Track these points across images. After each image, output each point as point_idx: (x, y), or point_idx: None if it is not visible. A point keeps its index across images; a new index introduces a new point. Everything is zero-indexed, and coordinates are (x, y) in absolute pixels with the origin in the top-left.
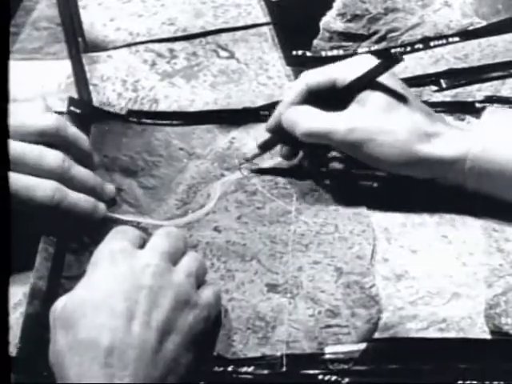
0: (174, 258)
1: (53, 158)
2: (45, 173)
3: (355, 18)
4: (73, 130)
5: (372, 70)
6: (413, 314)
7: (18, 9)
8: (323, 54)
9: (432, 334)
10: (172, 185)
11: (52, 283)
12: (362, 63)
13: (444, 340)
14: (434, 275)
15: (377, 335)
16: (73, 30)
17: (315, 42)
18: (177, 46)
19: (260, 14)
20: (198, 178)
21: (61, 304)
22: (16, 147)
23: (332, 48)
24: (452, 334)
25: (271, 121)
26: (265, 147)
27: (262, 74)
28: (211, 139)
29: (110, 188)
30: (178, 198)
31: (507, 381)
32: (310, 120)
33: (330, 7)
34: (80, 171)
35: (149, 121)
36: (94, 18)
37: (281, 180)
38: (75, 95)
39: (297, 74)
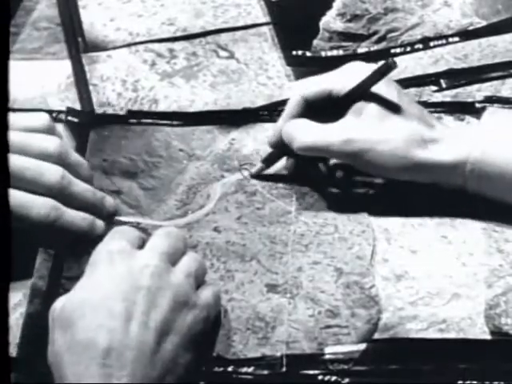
0: (174, 259)
1: (52, 174)
2: (43, 189)
3: (355, 18)
4: (74, 157)
5: (367, 79)
6: (413, 315)
7: (18, 9)
8: (323, 54)
9: (432, 334)
10: (172, 185)
11: (52, 283)
12: (355, 71)
13: (444, 340)
14: (434, 275)
15: (377, 336)
16: (73, 30)
17: (315, 42)
18: (176, 45)
19: (260, 14)
20: (197, 179)
21: (60, 304)
22: (15, 161)
23: (332, 48)
24: (452, 335)
25: (272, 135)
26: (268, 162)
27: (262, 74)
28: (211, 140)
29: (110, 202)
30: (177, 199)
31: (507, 381)
32: (305, 134)
33: (329, 7)
34: (79, 187)
35: (149, 121)
36: (93, 18)
37: (280, 180)
38: (75, 95)
39: (297, 74)
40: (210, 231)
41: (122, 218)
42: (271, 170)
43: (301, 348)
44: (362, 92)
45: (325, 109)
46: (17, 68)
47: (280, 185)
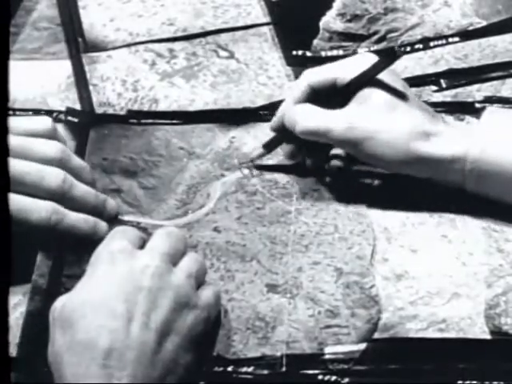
0: (174, 259)
1: (53, 178)
2: (44, 193)
3: (355, 18)
4: (76, 161)
5: (372, 67)
6: (413, 315)
7: (18, 9)
8: (323, 54)
9: (432, 334)
10: (172, 185)
11: (53, 281)
12: (362, 61)
13: (444, 340)
14: (434, 275)
15: (377, 335)
16: (73, 30)
17: (315, 42)
18: (176, 45)
19: (260, 14)
20: (197, 177)
21: (60, 304)
22: (16, 165)
23: (332, 48)
24: (452, 335)
25: (275, 120)
26: (269, 147)
27: (262, 74)
28: (211, 138)
29: (111, 204)
30: (177, 198)
31: (507, 381)
32: (308, 118)
33: (329, 7)
34: (81, 190)
35: (149, 121)
36: (93, 18)
37: (281, 180)
38: (75, 95)
39: (297, 74)
40: (210, 231)
41: (123, 217)
42: (268, 162)
43: (301, 348)
44: (367, 81)
45: (330, 97)
46: (17, 68)
47: (280, 184)
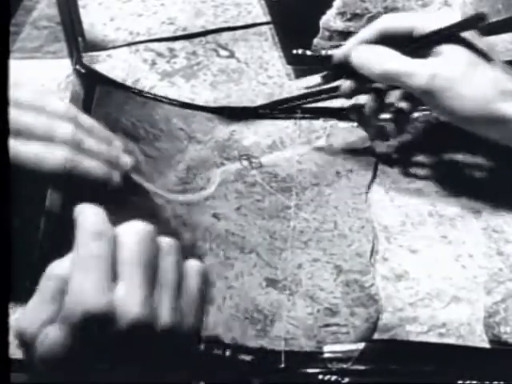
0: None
1: (63, 130)
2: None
3: (355, 16)
4: (85, 119)
5: (454, 25)
6: (413, 317)
7: (19, 8)
8: (323, 52)
9: (432, 338)
10: (172, 161)
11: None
12: (443, 17)
13: (443, 345)
14: (434, 277)
15: (376, 336)
16: (73, 30)
17: (315, 40)
18: (177, 45)
19: (260, 13)
20: (197, 160)
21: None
22: (25, 118)
23: (332, 47)
24: (452, 340)
25: (339, 54)
26: (327, 79)
27: (262, 73)
28: (212, 128)
29: (125, 160)
30: (178, 176)
31: (507, 381)
32: (388, 60)
33: (329, 6)
34: (92, 144)
35: (150, 95)
36: (93, 18)
37: (280, 173)
38: None
39: (297, 73)
40: (209, 217)
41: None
42: (267, 159)
43: (299, 345)
44: (444, 37)
45: (401, 45)
46: (17, 67)
47: (279, 178)
